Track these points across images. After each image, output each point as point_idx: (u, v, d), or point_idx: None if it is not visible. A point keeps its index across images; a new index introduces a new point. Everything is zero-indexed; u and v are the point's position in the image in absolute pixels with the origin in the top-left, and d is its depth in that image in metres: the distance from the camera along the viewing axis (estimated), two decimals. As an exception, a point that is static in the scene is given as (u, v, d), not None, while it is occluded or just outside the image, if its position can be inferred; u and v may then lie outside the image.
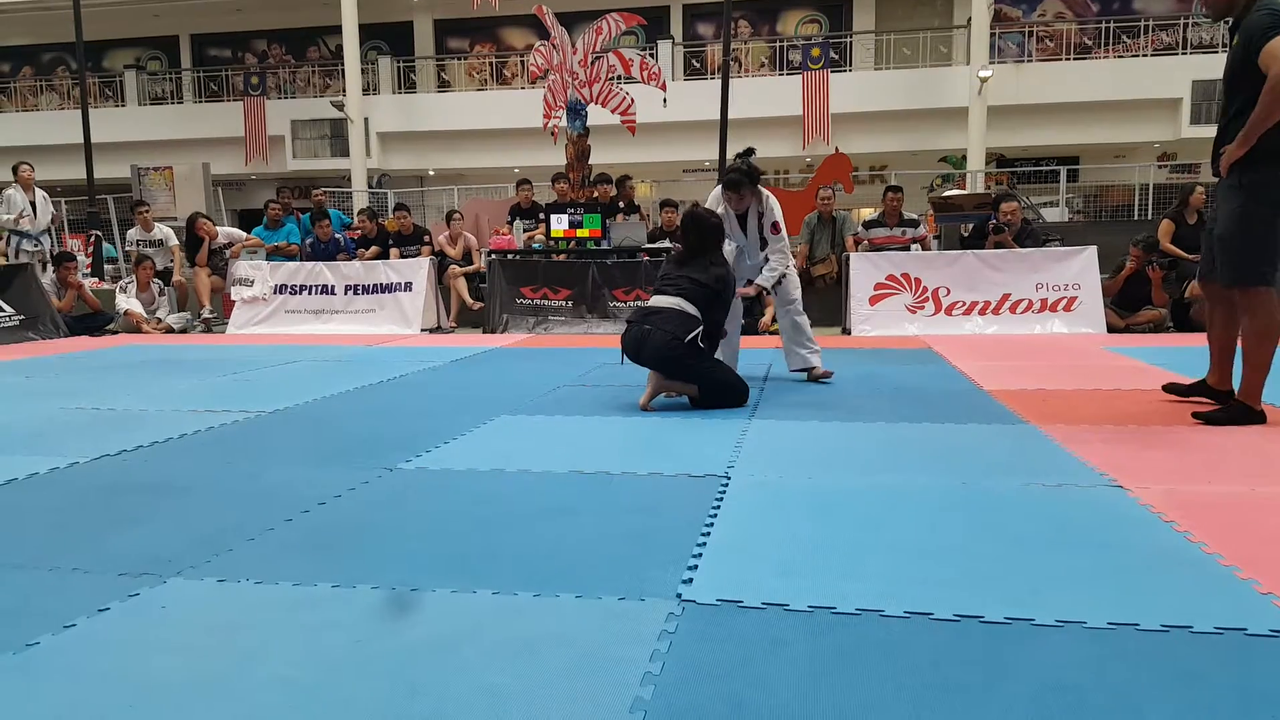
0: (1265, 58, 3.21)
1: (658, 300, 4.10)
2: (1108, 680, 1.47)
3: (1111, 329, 7.20)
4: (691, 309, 4.00)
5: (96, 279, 10.91)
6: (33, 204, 9.12)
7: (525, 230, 9.29)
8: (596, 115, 10.23)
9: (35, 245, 9.11)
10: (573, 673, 1.52)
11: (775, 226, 4.61)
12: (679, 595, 1.84)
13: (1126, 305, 7.49)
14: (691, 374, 4.01)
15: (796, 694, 1.44)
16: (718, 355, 4.27)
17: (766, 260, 4.65)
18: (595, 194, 9.64)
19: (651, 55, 17.08)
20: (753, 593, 1.85)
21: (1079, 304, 7.30)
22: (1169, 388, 3.97)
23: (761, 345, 6.42)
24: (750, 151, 4.58)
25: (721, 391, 4.05)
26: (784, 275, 4.65)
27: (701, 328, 3.99)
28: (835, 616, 1.73)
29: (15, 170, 9.12)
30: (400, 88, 20.75)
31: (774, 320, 7.43)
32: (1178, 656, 1.56)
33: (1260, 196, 3.33)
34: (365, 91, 19.34)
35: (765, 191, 4.63)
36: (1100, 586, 1.86)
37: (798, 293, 4.79)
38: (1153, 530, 2.22)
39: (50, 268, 8.91)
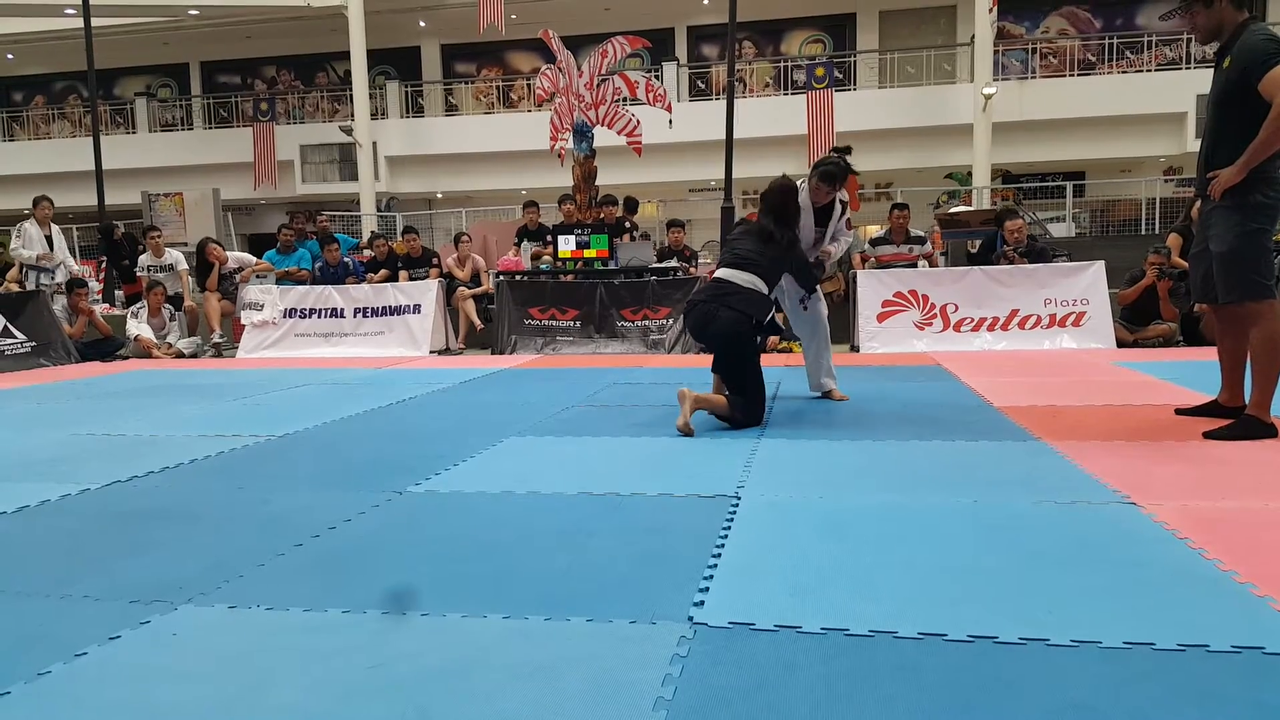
0: (1270, 85, 3.22)
1: (731, 274, 4.12)
2: (1124, 701, 1.46)
3: (1121, 343, 7.18)
4: (765, 288, 4.09)
5: (107, 304, 10.98)
6: (48, 239, 9.19)
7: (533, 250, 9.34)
8: (603, 137, 10.29)
9: (51, 279, 9.16)
10: (585, 698, 1.51)
11: (849, 223, 4.82)
12: (690, 618, 1.83)
13: (1136, 319, 7.47)
14: (739, 369, 4.03)
15: (810, 719, 1.43)
16: None
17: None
18: (602, 215, 9.69)
19: (657, 77, 17.23)
20: (765, 615, 1.84)
21: (1088, 319, 7.28)
22: (1181, 412, 3.96)
23: (768, 363, 6.39)
24: (848, 149, 4.61)
25: (752, 407, 4.01)
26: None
27: (773, 311, 4.12)
28: (848, 638, 1.72)
29: (35, 204, 9.17)
30: (408, 112, 20.95)
31: (782, 339, 7.47)
32: (1195, 676, 1.54)
33: (1256, 216, 3.41)
34: (373, 116, 19.54)
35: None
36: (1115, 605, 1.85)
37: (826, 320, 4.90)
38: (1167, 547, 2.20)
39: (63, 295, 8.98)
